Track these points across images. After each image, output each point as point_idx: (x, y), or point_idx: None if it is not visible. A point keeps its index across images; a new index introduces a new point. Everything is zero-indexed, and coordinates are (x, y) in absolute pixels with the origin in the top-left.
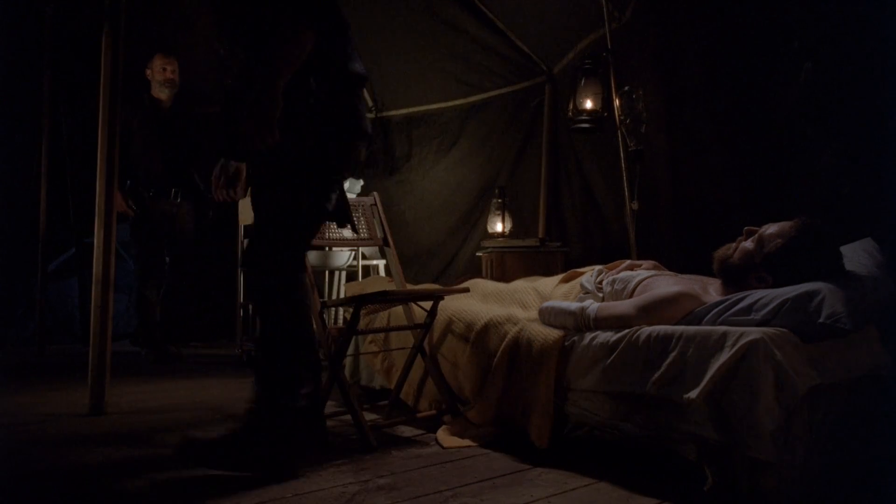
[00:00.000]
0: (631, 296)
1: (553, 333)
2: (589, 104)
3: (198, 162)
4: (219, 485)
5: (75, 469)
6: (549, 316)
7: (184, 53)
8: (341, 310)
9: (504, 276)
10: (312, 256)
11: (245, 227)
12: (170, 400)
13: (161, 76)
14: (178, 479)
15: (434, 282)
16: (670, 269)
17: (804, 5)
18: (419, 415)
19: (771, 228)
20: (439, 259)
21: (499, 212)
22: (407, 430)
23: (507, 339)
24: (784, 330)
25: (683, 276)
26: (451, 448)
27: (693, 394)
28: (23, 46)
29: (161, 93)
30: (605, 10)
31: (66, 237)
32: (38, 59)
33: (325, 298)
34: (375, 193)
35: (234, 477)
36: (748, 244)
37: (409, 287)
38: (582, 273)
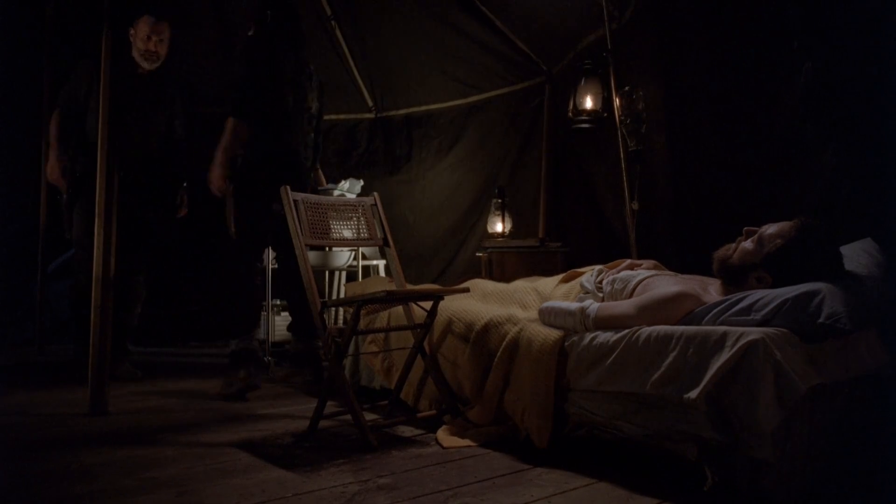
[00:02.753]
0: (631, 296)
1: (553, 333)
2: (589, 104)
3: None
4: (221, 483)
5: (78, 469)
6: (548, 316)
7: (188, 51)
8: (341, 310)
9: (504, 276)
10: (312, 256)
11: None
12: (169, 399)
13: (143, 45)
14: (178, 478)
15: (434, 282)
16: (670, 269)
17: (804, 5)
18: (419, 415)
19: (771, 228)
20: (439, 259)
21: (499, 212)
22: (407, 430)
23: (507, 340)
24: (784, 330)
25: (683, 276)
26: (451, 448)
27: (693, 394)
28: (23, 45)
29: (141, 62)
30: (605, 10)
31: (67, 237)
32: (38, 57)
33: (325, 298)
34: (375, 193)
35: (237, 475)
36: (748, 244)
37: (410, 287)
38: (582, 273)
